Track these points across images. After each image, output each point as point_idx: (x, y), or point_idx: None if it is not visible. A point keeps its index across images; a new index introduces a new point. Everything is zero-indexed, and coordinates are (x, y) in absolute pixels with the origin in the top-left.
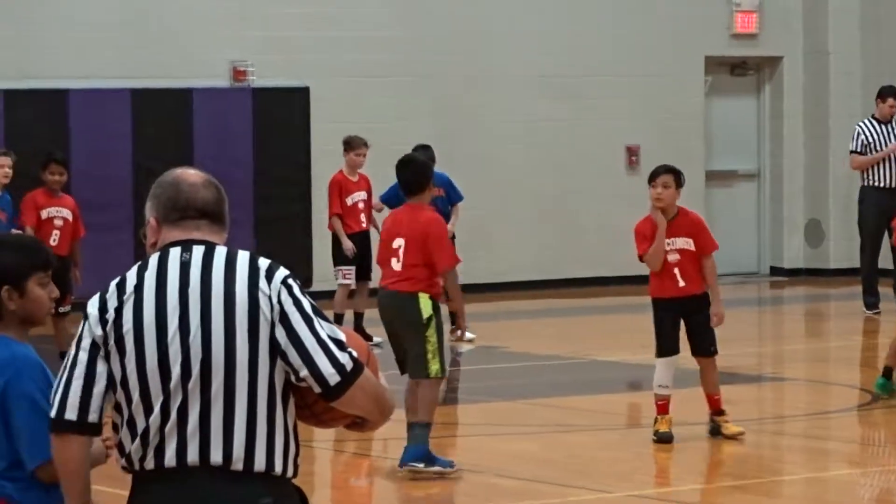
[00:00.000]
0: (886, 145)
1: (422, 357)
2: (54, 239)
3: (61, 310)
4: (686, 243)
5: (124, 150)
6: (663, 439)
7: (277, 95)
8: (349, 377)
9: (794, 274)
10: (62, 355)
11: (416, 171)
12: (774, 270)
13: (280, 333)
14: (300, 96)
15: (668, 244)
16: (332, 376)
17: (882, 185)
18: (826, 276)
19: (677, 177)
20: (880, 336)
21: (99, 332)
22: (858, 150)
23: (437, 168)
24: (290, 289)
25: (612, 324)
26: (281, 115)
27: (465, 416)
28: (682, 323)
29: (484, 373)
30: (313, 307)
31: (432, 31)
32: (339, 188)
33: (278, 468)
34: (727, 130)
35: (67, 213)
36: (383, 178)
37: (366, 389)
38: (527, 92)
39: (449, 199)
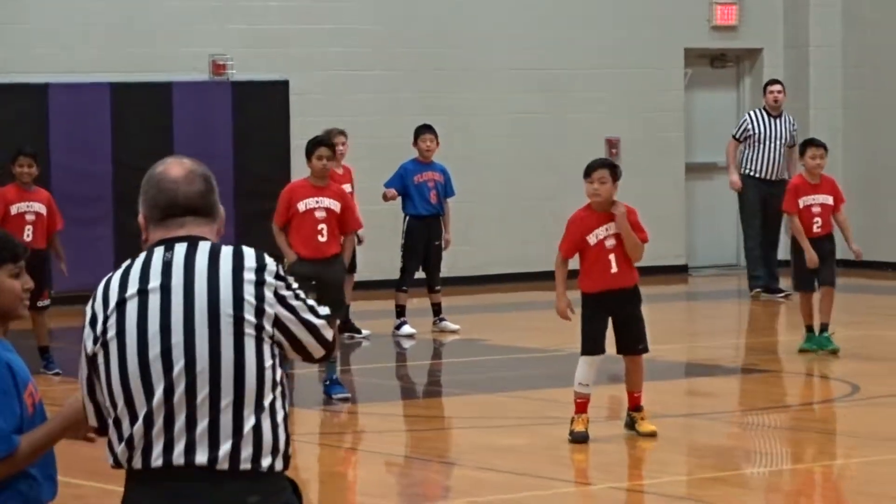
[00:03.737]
0: (772, 139)
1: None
2: (28, 233)
3: (39, 304)
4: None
5: (104, 143)
6: (578, 439)
7: (257, 89)
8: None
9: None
10: (42, 350)
11: None
12: None
13: (278, 309)
14: (280, 90)
15: (606, 230)
16: (328, 331)
17: (761, 175)
18: None
19: (613, 171)
20: (866, 327)
21: (90, 345)
22: (737, 136)
23: (435, 159)
24: (278, 274)
25: None
26: (260, 108)
27: (446, 408)
28: (609, 321)
29: (465, 365)
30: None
31: (413, 25)
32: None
33: (265, 465)
34: (707, 122)
35: (40, 207)
36: (364, 171)
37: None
38: (507, 85)
39: (445, 189)
